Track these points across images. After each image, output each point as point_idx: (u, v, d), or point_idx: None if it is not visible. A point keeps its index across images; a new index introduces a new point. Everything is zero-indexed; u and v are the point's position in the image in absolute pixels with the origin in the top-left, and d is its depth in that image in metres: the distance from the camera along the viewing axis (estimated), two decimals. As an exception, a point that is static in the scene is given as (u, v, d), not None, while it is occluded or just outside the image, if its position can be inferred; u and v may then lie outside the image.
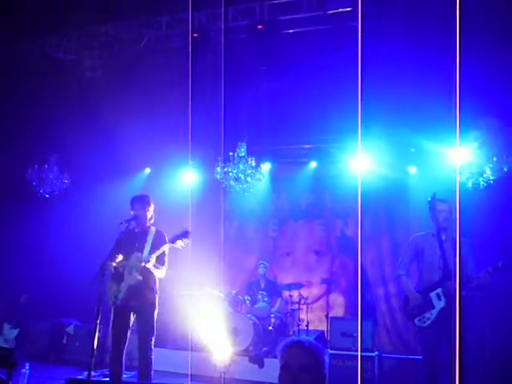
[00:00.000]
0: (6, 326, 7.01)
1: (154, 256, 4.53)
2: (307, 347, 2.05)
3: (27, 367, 5.56)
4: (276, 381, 2.09)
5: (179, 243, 4.52)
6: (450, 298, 4.15)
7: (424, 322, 4.35)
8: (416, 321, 4.40)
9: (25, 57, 6.87)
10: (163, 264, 4.70)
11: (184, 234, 4.50)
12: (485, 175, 5.42)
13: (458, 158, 5.38)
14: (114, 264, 4.58)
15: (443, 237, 4.36)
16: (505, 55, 5.51)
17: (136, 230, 4.79)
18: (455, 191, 4.39)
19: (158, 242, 4.63)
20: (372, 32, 5.81)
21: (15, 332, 7.06)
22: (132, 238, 4.73)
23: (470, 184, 5.48)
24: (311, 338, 2.18)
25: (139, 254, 4.57)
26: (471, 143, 5.58)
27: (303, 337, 2.15)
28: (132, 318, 4.68)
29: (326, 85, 6.43)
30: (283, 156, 8.40)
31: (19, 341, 7.18)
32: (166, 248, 4.62)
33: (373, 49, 5.77)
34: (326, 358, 2.09)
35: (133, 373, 5.11)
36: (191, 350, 6.97)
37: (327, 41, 6.25)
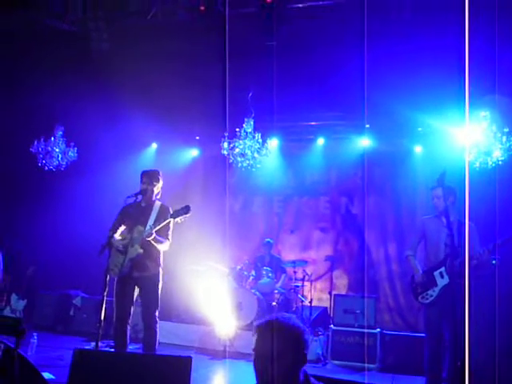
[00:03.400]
0: (14, 297, 7.12)
1: (155, 229, 4.55)
2: (283, 328, 1.88)
3: (35, 337, 5.67)
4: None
5: (180, 219, 4.53)
6: (452, 276, 4.23)
7: (427, 299, 4.46)
8: (420, 298, 4.52)
9: (28, 26, 6.76)
10: (166, 238, 4.73)
11: (185, 210, 4.50)
12: (493, 155, 5.37)
13: (468, 138, 5.33)
14: (117, 236, 4.62)
15: (450, 218, 4.37)
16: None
17: (142, 204, 4.81)
18: (462, 171, 4.38)
19: (162, 217, 4.64)
20: (381, 8, 5.71)
21: (23, 303, 7.17)
22: (137, 212, 4.75)
23: (477, 164, 5.45)
24: (292, 316, 1.98)
25: (141, 228, 4.60)
26: (480, 122, 5.52)
27: (281, 315, 1.95)
28: (136, 290, 4.72)
29: (334, 61, 6.35)
30: (291, 133, 8.37)
31: (27, 312, 7.31)
32: (168, 222, 4.63)
33: (381, 25, 5.70)
34: (306, 338, 1.92)
35: (138, 345, 5.19)
36: (196, 323, 7.09)
37: (336, 16, 6.14)
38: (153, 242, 4.58)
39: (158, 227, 4.55)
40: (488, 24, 4.58)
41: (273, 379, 1.84)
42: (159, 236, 4.61)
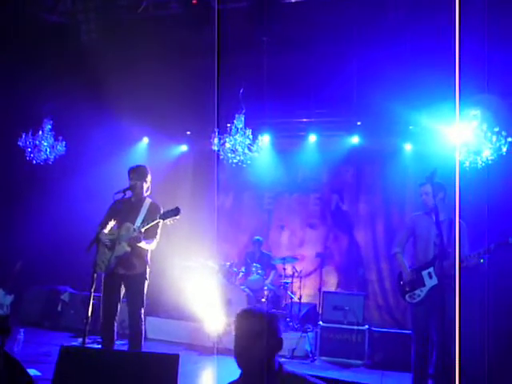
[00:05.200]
0: (1, 292, 7.05)
1: (144, 228, 4.50)
2: (257, 314, 2.13)
3: (22, 333, 5.62)
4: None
5: (169, 220, 4.47)
6: (441, 277, 4.21)
7: (414, 299, 4.45)
8: (407, 297, 4.51)
9: (16, 19, 6.67)
10: (154, 236, 4.67)
11: (175, 212, 4.44)
12: (483, 155, 5.39)
13: (458, 137, 5.35)
14: (106, 232, 4.57)
15: (440, 217, 4.34)
16: (505, 30, 5.41)
17: (132, 200, 4.77)
18: (451, 170, 4.39)
19: (152, 215, 4.58)
20: (374, 7, 5.70)
21: (10, 298, 7.10)
22: (127, 208, 4.70)
23: (467, 163, 5.46)
24: (264, 307, 2.31)
25: (129, 225, 4.55)
26: (470, 121, 5.53)
27: (255, 306, 2.22)
28: (123, 287, 4.67)
29: (327, 58, 6.34)
30: (282, 129, 8.35)
31: (14, 307, 7.24)
32: (157, 222, 4.57)
33: (373, 24, 5.69)
34: (279, 324, 2.19)
35: (125, 341, 5.16)
36: (185, 319, 7.07)
37: (329, 12, 6.12)
38: (140, 241, 4.53)
39: (145, 227, 4.50)
40: (479, 24, 4.59)
41: (251, 361, 2.06)
42: (147, 238, 4.56)
